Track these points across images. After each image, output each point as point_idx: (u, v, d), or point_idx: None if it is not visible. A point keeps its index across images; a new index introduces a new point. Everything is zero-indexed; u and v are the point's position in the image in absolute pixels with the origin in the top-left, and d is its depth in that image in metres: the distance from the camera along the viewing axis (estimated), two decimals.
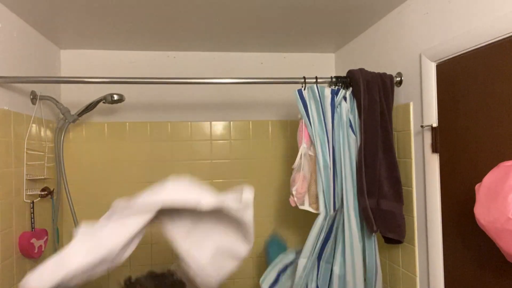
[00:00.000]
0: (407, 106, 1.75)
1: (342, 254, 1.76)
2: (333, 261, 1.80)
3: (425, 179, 1.63)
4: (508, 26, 1.19)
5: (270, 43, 2.40)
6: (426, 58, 1.59)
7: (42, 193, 2.02)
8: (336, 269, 1.76)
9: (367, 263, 1.77)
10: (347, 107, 1.77)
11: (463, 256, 1.43)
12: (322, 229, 1.73)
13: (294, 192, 1.79)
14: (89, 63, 2.45)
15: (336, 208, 1.75)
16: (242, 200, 1.35)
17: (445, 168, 1.52)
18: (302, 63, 2.67)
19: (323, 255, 1.81)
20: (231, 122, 2.59)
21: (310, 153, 1.79)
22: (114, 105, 2.47)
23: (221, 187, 2.54)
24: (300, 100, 1.76)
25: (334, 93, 1.74)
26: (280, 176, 2.62)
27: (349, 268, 1.75)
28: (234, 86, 2.60)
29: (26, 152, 1.89)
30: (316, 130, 1.73)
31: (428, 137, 1.60)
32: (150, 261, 2.47)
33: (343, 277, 1.76)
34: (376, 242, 1.80)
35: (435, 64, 1.56)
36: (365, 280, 1.78)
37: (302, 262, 1.72)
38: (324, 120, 1.72)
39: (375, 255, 1.79)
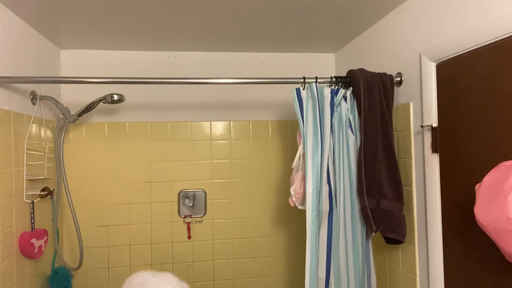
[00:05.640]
0: (407, 106, 1.75)
1: (337, 253, 1.77)
2: (331, 261, 1.80)
3: (425, 179, 1.63)
4: (508, 26, 1.19)
5: (270, 43, 2.40)
6: (426, 58, 1.59)
7: (42, 193, 2.02)
8: (335, 270, 1.77)
9: (361, 264, 1.77)
10: (346, 107, 1.77)
11: (463, 256, 1.43)
12: (319, 227, 1.72)
13: (292, 192, 1.79)
14: (89, 63, 2.45)
15: (332, 208, 1.75)
16: None
17: (445, 168, 1.52)
18: (302, 63, 2.67)
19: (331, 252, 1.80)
20: (231, 122, 2.59)
21: None
22: (114, 105, 2.48)
23: (221, 187, 2.55)
24: (296, 99, 1.76)
25: (334, 93, 1.75)
26: (280, 176, 2.62)
27: (343, 268, 1.76)
28: (234, 86, 2.61)
29: (26, 152, 1.89)
30: (309, 129, 1.72)
31: (428, 137, 1.60)
32: (150, 260, 2.47)
33: (337, 276, 1.76)
34: (371, 243, 1.81)
35: (435, 64, 1.56)
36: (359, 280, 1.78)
37: (307, 262, 1.72)
38: (320, 120, 1.72)
39: (370, 256, 1.80)
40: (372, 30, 2.11)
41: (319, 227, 1.72)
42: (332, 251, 1.75)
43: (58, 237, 2.19)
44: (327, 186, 1.73)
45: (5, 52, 1.74)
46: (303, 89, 1.77)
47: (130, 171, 2.47)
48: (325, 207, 1.73)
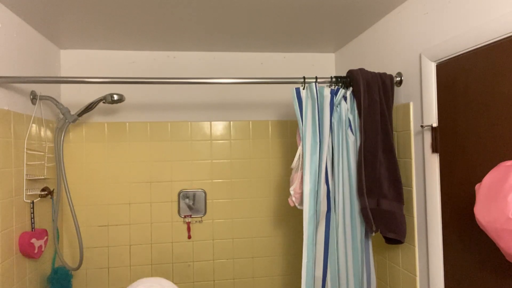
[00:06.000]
0: (407, 106, 1.75)
1: (335, 253, 1.77)
2: (328, 261, 1.80)
3: (425, 179, 1.63)
4: (508, 26, 1.19)
5: (270, 43, 2.40)
6: (426, 58, 1.59)
7: (42, 193, 2.02)
8: (332, 269, 1.77)
9: (360, 263, 1.77)
10: (346, 107, 1.77)
11: (463, 256, 1.43)
12: (316, 228, 1.72)
13: (292, 192, 1.79)
14: (89, 63, 2.45)
15: (330, 208, 1.75)
16: None
17: (445, 168, 1.52)
18: (302, 63, 2.67)
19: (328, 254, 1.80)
20: (231, 122, 2.59)
21: None
22: (114, 105, 2.48)
23: (221, 187, 2.55)
24: (296, 99, 1.76)
25: (334, 93, 1.75)
26: (279, 176, 2.62)
27: (343, 268, 1.76)
28: (234, 86, 2.61)
29: (26, 152, 1.89)
30: (307, 129, 1.72)
31: (428, 137, 1.60)
32: (150, 260, 2.47)
33: (336, 277, 1.76)
34: (370, 243, 1.81)
35: (435, 64, 1.56)
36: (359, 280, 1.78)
37: (304, 262, 1.72)
38: (319, 120, 1.72)
39: (369, 256, 1.80)
40: (372, 30, 2.11)
41: (316, 227, 1.72)
42: (329, 250, 1.75)
43: (58, 237, 2.19)
44: (325, 186, 1.73)
45: (5, 52, 1.74)
46: (303, 89, 1.77)
47: (130, 171, 2.47)
48: (323, 207, 1.73)
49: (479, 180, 1.35)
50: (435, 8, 1.56)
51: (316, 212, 1.71)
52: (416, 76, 1.69)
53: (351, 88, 1.78)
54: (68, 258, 2.40)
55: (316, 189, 1.70)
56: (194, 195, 2.52)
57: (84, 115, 2.44)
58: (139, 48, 2.46)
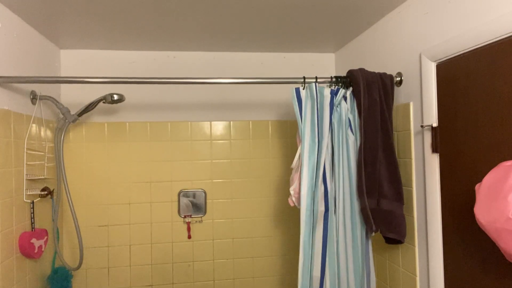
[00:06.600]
0: (407, 106, 1.75)
1: (336, 254, 1.76)
2: (326, 260, 1.80)
3: (425, 179, 1.63)
4: (508, 26, 1.19)
5: (270, 43, 2.40)
6: (426, 58, 1.59)
7: (42, 193, 2.02)
8: (331, 269, 1.77)
9: (360, 263, 1.77)
10: (346, 107, 1.77)
11: (463, 256, 1.43)
12: (313, 228, 1.72)
13: (292, 192, 1.79)
14: (89, 63, 2.45)
15: (328, 208, 1.75)
16: None
17: (445, 168, 1.52)
18: (302, 63, 2.67)
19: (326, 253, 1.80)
20: (231, 122, 2.59)
21: None
22: (114, 105, 2.48)
23: (221, 187, 2.55)
24: (296, 99, 1.76)
25: (334, 93, 1.75)
26: (279, 176, 2.62)
27: (343, 268, 1.76)
28: (234, 86, 2.61)
29: (26, 152, 1.89)
30: (306, 129, 1.72)
31: (428, 137, 1.60)
32: (150, 260, 2.47)
33: (336, 277, 1.76)
34: (370, 243, 1.81)
35: (435, 64, 1.56)
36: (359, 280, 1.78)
37: (300, 260, 1.72)
38: (318, 120, 1.72)
39: (369, 256, 1.80)
40: (372, 30, 2.11)
41: (314, 227, 1.72)
42: (327, 250, 1.75)
43: (58, 237, 2.19)
44: (323, 186, 1.73)
45: (5, 52, 1.74)
46: (303, 89, 1.77)
47: (130, 171, 2.47)
48: (321, 208, 1.73)
49: (479, 180, 1.35)
50: (435, 8, 1.56)
51: (314, 212, 1.71)
52: (416, 76, 1.69)
53: (351, 88, 1.78)
54: (68, 258, 2.40)
55: (314, 189, 1.70)
56: (194, 195, 2.52)
57: (84, 115, 2.44)
58: (139, 48, 2.46)
